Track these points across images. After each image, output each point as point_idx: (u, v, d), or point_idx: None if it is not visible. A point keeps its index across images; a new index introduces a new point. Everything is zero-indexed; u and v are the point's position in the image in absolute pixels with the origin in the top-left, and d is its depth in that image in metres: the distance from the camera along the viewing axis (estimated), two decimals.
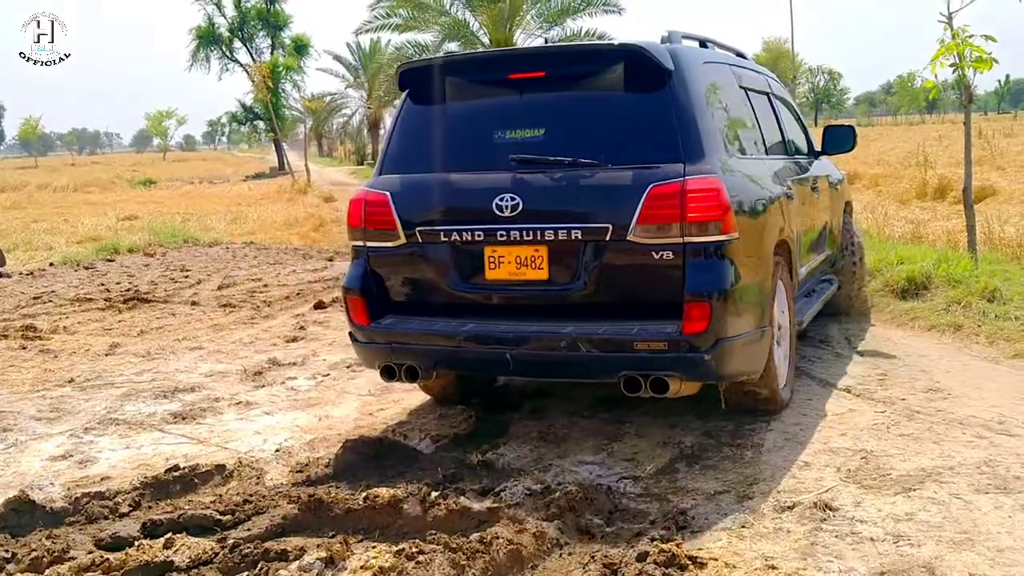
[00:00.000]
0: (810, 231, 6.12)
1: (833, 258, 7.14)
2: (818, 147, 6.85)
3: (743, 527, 3.63)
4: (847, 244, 7.47)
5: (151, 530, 3.75)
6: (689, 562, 3.26)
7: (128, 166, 65.79)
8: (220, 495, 4.19)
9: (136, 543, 3.59)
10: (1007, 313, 6.82)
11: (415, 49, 25.69)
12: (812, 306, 6.15)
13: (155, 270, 12.41)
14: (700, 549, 3.42)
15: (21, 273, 12.32)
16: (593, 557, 3.39)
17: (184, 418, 5.57)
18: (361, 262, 4.94)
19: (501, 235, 4.51)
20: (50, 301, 9.94)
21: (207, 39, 55.37)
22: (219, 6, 54.98)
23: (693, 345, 4.22)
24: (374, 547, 3.50)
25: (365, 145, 63.34)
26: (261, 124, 58.72)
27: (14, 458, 4.93)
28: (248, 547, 3.44)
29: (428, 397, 5.75)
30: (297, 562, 3.32)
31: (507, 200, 4.48)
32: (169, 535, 3.59)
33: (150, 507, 4.08)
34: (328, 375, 6.49)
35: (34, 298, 10.13)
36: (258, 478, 4.44)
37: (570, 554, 3.45)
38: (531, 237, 4.47)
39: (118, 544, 3.63)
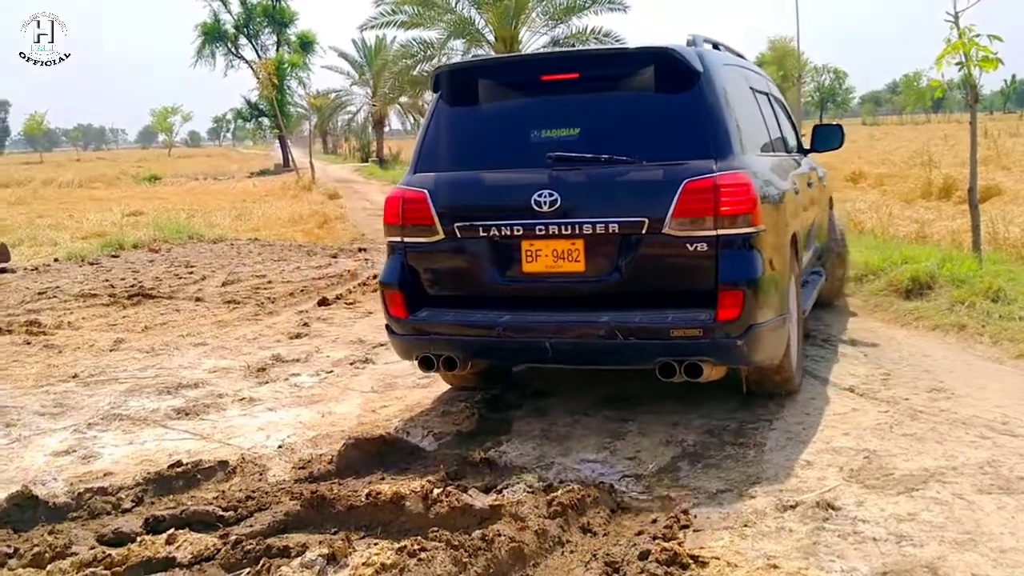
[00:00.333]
0: (808, 224, 6.33)
1: (821, 250, 7.27)
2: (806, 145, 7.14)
3: (745, 526, 3.63)
4: (832, 237, 7.75)
5: (153, 526, 3.76)
6: (691, 561, 3.26)
7: (133, 162, 65.94)
8: (223, 491, 4.20)
9: (138, 539, 3.60)
10: (1011, 313, 6.80)
11: (420, 46, 25.69)
12: (811, 296, 6.29)
13: (159, 266, 12.42)
14: (702, 548, 3.42)
15: (26, 268, 12.34)
16: (595, 555, 3.39)
17: (187, 414, 5.58)
18: (398, 257, 5.15)
19: (540, 230, 4.70)
20: (54, 296, 9.96)
21: (212, 36, 55.34)
22: (225, 3, 54.95)
23: (727, 331, 4.46)
24: (376, 544, 3.51)
25: (370, 142, 63.31)
26: (266, 121, 58.65)
27: (17, 453, 4.95)
28: (250, 543, 3.45)
29: (431, 394, 5.77)
30: (299, 558, 3.33)
31: (546, 196, 4.66)
32: (171, 531, 3.60)
33: (152, 503, 4.10)
34: (331, 372, 6.50)
35: (39, 293, 10.15)
36: (261, 474, 4.44)
37: (572, 552, 3.45)
38: (569, 231, 4.66)
39: (120, 540, 3.65)
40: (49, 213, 22.05)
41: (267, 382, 6.27)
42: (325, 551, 3.36)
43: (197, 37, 55.63)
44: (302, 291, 10.03)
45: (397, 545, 3.38)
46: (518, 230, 4.76)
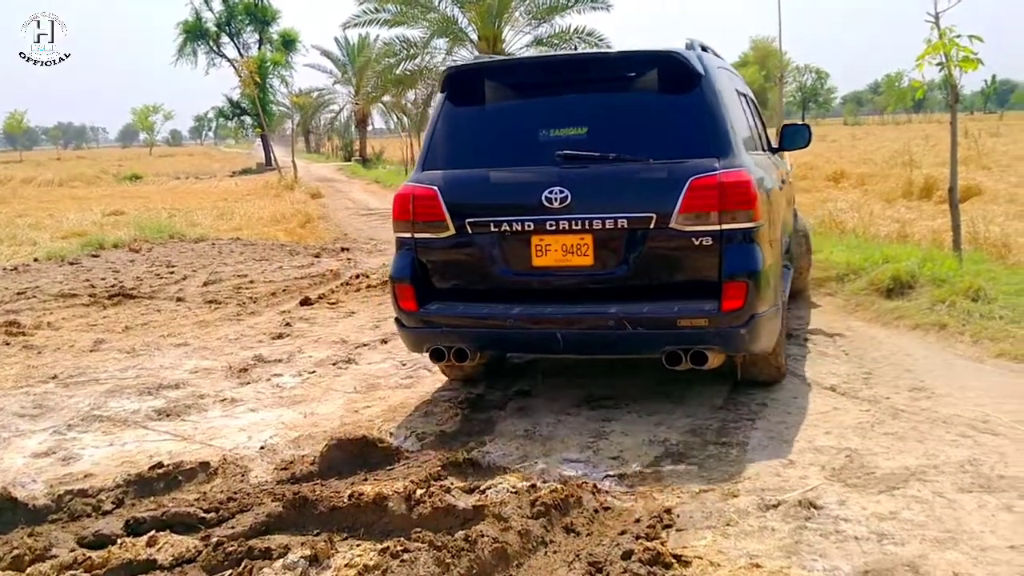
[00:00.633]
0: (786, 219, 6.54)
1: (788, 244, 7.35)
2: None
3: (728, 525, 3.64)
4: (796, 231, 7.89)
5: (134, 528, 3.73)
6: (674, 560, 3.27)
7: (114, 161, 65.54)
8: (204, 493, 4.18)
9: (119, 541, 3.58)
10: (991, 312, 6.84)
11: (403, 45, 25.58)
12: (787, 288, 6.42)
13: (140, 266, 12.35)
14: (685, 547, 3.43)
15: (5, 268, 12.23)
16: (578, 555, 3.39)
17: (168, 415, 5.54)
18: (408, 252, 5.25)
19: (550, 225, 4.88)
20: (34, 297, 9.88)
21: (194, 34, 55.04)
22: (207, 1, 54.72)
23: (731, 321, 4.71)
24: (359, 545, 3.50)
25: (352, 141, 63.14)
26: (248, 120, 58.39)
27: None
28: (232, 545, 3.43)
29: (413, 395, 5.77)
30: (281, 560, 3.31)
31: (556, 193, 4.84)
32: (152, 533, 3.58)
33: (133, 505, 4.07)
34: (314, 372, 6.47)
35: (18, 294, 10.06)
36: (243, 475, 4.42)
37: (555, 552, 3.45)
38: (579, 226, 4.85)
39: (101, 542, 3.62)
40: (29, 212, 21.89)
41: (249, 383, 6.24)
42: (307, 552, 3.34)
43: (178, 35, 55.35)
44: (284, 291, 9.99)
45: (380, 546, 3.36)
46: (529, 225, 4.93)
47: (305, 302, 9.18)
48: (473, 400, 5.58)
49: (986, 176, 19.14)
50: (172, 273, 11.56)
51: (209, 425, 5.35)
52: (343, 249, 13.96)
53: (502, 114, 5.48)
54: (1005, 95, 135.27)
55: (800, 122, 6.81)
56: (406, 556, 3.21)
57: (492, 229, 5.02)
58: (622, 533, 3.57)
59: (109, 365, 6.83)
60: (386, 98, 38.89)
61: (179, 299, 9.65)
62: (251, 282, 10.69)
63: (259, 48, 54.98)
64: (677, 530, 3.61)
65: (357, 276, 10.77)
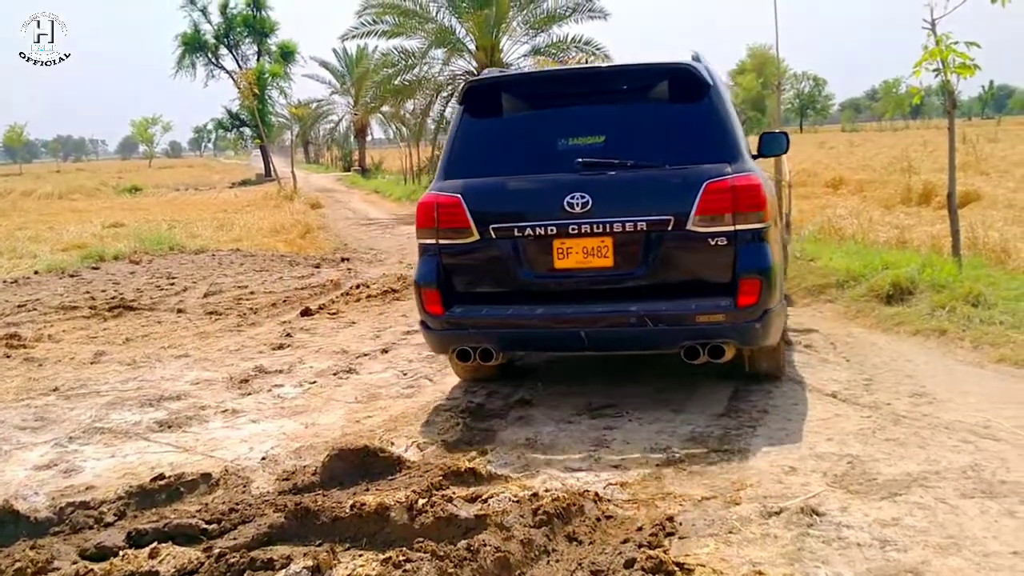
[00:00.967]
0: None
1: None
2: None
3: (730, 533, 3.64)
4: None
5: (136, 540, 3.73)
6: (676, 568, 3.26)
7: (113, 173, 65.60)
8: (206, 504, 4.17)
9: (121, 553, 3.57)
10: (991, 317, 6.85)
11: (401, 55, 25.63)
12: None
13: (141, 278, 12.35)
14: (687, 555, 3.42)
15: (5, 281, 12.24)
16: (581, 564, 3.39)
17: (170, 426, 5.54)
18: (432, 258, 5.48)
19: (572, 229, 5.13)
20: (35, 309, 9.88)
21: (193, 46, 55.14)
22: (205, 13, 54.85)
23: (746, 316, 5.00)
24: (361, 555, 3.50)
25: (352, 151, 63.20)
26: (247, 131, 58.47)
27: None
28: (234, 556, 3.43)
29: (415, 405, 5.77)
30: (284, 571, 3.31)
31: (578, 198, 5.09)
32: (154, 545, 3.58)
33: (135, 516, 4.06)
34: (315, 382, 6.47)
35: (18, 306, 10.07)
36: (244, 486, 4.41)
37: (558, 561, 3.44)
38: (600, 230, 5.10)
39: (103, 554, 3.62)
40: (28, 225, 21.88)
41: (250, 393, 6.24)
42: (310, 563, 3.34)
43: (177, 47, 55.48)
44: (285, 301, 9.99)
45: (382, 556, 3.37)
46: (551, 230, 5.16)
47: (306, 312, 9.18)
48: (474, 409, 5.58)
49: (984, 181, 19.16)
50: (172, 285, 11.56)
51: (210, 436, 5.34)
52: (343, 259, 13.96)
53: (521, 124, 5.72)
54: (1003, 100, 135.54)
55: (778, 130, 6.90)
56: (408, 566, 3.21)
57: (515, 234, 5.24)
58: (624, 541, 3.57)
59: (110, 377, 6.83)
60: (385, 108, 38.91)
61: (179, 311, 9.65)
62: (251, 293, 10.70)
63: (258, 60, 55.05)
64: (680, 538, 3.61)
65: (357, 286, 10.78)
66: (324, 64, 59.65)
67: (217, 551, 3.49)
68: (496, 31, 23.96)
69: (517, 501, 3.87)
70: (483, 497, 3.99)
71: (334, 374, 6.65)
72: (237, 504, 4.06)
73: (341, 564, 3.37)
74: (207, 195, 36.31)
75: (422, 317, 5.56)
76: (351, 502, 3.86)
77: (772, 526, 3.67)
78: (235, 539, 3.68)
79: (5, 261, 14.54)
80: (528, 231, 5.21)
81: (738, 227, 4.99)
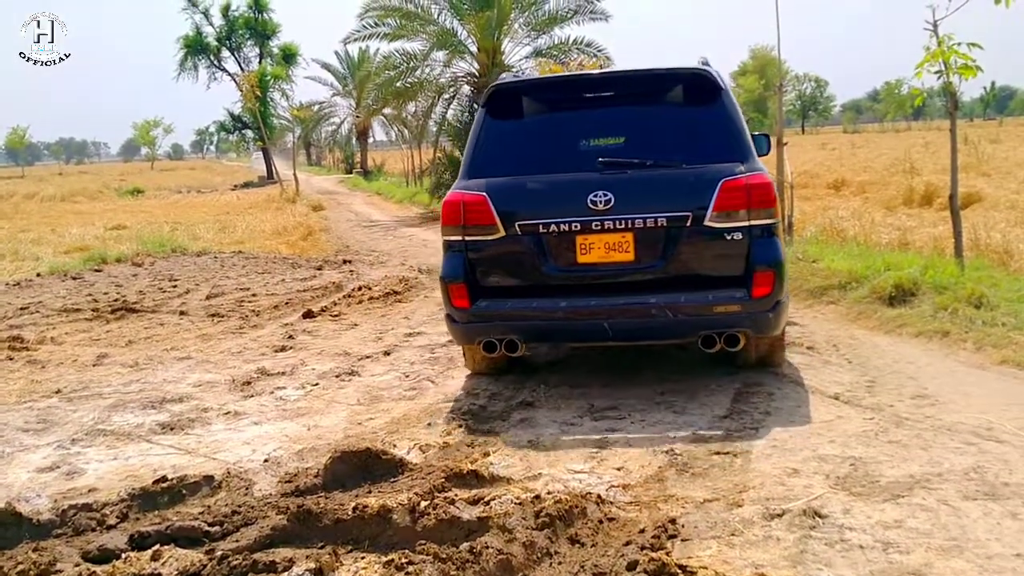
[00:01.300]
0: None
1: None
2: None
3: (733, 535, 3.63)
4: None
5: (138, 542, 3.73)
6: (679, 570, 3.26)
7: (116, 175, 65.67)
8: (208, 506, 4.17)
9: (123, 555, 3.58)
10: (994, 319, 6.84)
11: (403, 58, 25.61)
12: None
13: (143, 280, 12.36)
14: (690, 557, 3.42)
15: (8, 283, 12.25)
16: (583, 566, 3.39)
17: (172, 428, 5.54)
18: (458, 254, 5.67)
19: (595, 225, 5.39)
20: (37, 312, 9.89)
21: (195, 48, 55.13)
22: (207, 15, 54.84)
23: (760, 306, 5.32)
24: (363, 558, 3.50)
25: (354, 154, 63.19)
26: (249, 133, 58.49)
27: (0, 470, 4.90)
28: (236, 559, 3.43)
29: (417, 407, 5.77)
30: (286, 573, 3.32)
31: (601, 196, 5.35)
32: (157, 547, 3.58)
33: (138, 519, 4.06)
34: (317, 384, 6.47)
35: (21, 309, 10.08)
36: (246, 489, 4.41)
37: (560, 563, 3.44)
38: (621, 226, 5.37)
39: (105, 556, 3.62)
40: (31, 227, 21.92)
41: (252, 396, 6.24)
42: (312, 566, 3.34)
43: (179, 50, 55.40)
44: (287, 304, 10.00)
45: (385, 559, 3.37)
46: (575, 226, 5.41)
47: (308, 315, 9.19)
48: (476, 411, 5.58)
49: (986, 183, 19.16)
50: (175, 287, 11.57)
51: (213, 438, 5.35)
52: (345, 261, 13.97)
53: (543, 126, 6.05)
54: (1004, 101, 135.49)
55: (759, 132, 7.00)
56: (411, 568, 3.22)
57: (540, 230, 5.48)
58: (627, 544, 3.57)
59: (112, 379, 6.84)
60: (387, 110, 38.93)
61: (182, 313, 9.65)
62: (253, 295, 10.70)
63: (260, 62, 55.04)
64: (682, 540, 3.60)
65: (359, 288, 10.78)
66: (326, 66, 59.68)
67: (219, 553, 3.50)
68: (498, 33, 23.93)
69: (519, 503, 3.87)
70: (485, 499, 3.99)
71: (336, 376, 6.66)
72: (239, 506, 4.07)
73: (343, 566, 3.37)
74: (209, 197, 36.37)
75: (448, 311, 5.75)
76: (353, 504, 3.86)
77: (775, 528, 3.67)
78: (237, 541, 3.69)
79: (8, 263, 14.56)
80: (552, 227, 5.45)
81: (752, 223, 5.30)
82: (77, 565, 3.53)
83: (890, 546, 3.45)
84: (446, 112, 26.30)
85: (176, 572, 3.39)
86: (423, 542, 3.48)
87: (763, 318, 5.38)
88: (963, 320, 6.96)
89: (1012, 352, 6.15)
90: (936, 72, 8.43)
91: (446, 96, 26.16)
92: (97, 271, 13.44)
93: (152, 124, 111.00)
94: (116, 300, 10.51)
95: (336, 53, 59.98)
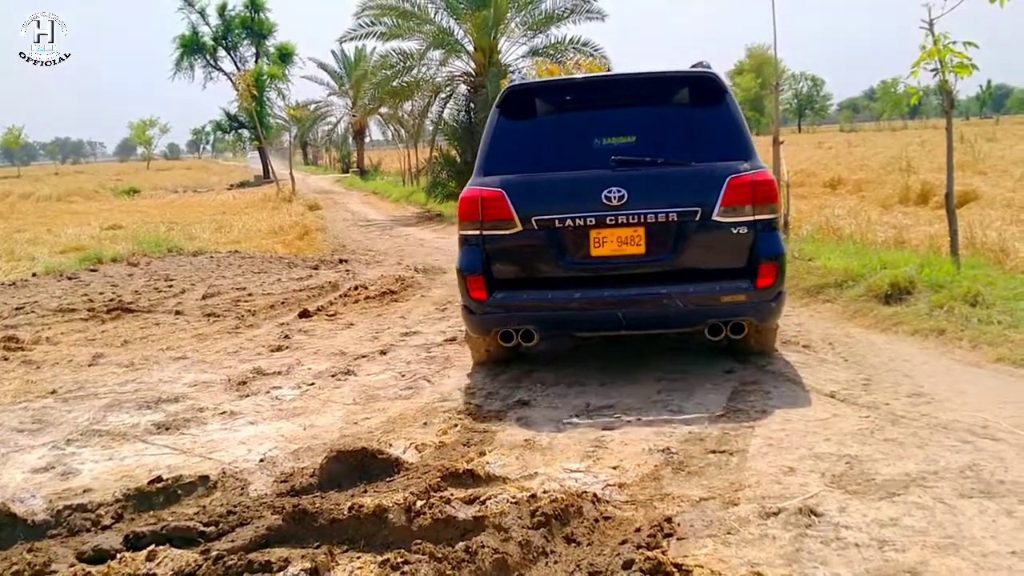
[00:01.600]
0: None
1: None
2: None
3: (729, 533, 3.63)
4: None
5: (134, 542, 3.72)
6: (675, 569, 3.26)
7: (112, 175, 65.59)
8: (204, 506, 4.17)
9: (118, 556, 3.57)
10: (989, 317, 6.85)
11: (400, 57, 25.60)
12: None
13: (139, 280, 12.34)
14: (686, 556, 3.42)
15: (3, 283, 12.23)
16: (579, 565, 3.39)
17: (168, 428, 5.53)
18: (475, 248, 5.91)
19: (609, 220, 5.66)
20: (32, 312, 9.87)
21: (191, 48, 55.06)
22: (203, 15, 54.76)
23: (764, 296, 5.69)
24: (359, 557, 3.50)
25: (350, 153, 63.18)
26: (246, 132, 58.42)
27: None
28: (232, 559, 3.42)
29: (412, 406, 5.76)
30: (281, 573, 3.31)
31: (614, 192, 5.63)
32: (152, 547, 3.58)
33: (133, 519, 4.06)
34: (313, 384, 6.46)
35: (16, 309, 10.06)
36: (242, 489, 4.41)
37: (556, 562, 3.44)
38: (634, 220, 5.65)
39: (100, 557, 3.61)
40: (27, 227, 21.88)
41: (248, 395, 6.23)
42: (308, 566, 3.34)
43: (176, 49, 55.36)
44: (283, 303, 9.98)
45: (380, 558, 3.36)
46: (590, 221, 5.68)
47: (304, 314, 9.17)
48: (472, 410, 5.58)
49: (983, 181, 19.17)
50: (171, 287, 11.55)
51: (208, 438, 5.33)
52: (341, 261, 13.95)
53: (557, 126, 6.32)
54: (1001, 100, 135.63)
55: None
56: (406, 568, 3.21)
57: (556, 225, 5.72)
58: (623, 543, 3.56)
59: (108, 379, 6.82)
60: (383, 110, 38.94)
61: (178, 312, 9.64)
62: (249, 295, 10.69)
63: (256, 61, 55.02)
64: (678, 539, 3.60)
65: (356, 288, 10.77)
66: (322, 66, 59.64)
67: (215, 553, 3.49)
68: (494, 32, 23.92)
69: (515, 502, 3.87)
70: (481, 499, 3.99)
71: (332, 376, 6.65)
72: (235, 506, 4.06)
73: (339, 566, 3.37)
74: (205, 197, 36.34)
75: (465, 302, 5.98)
76: (349, 504, 3.86)
77: (770, 527, 3.67)
78: (233, 541, 3.68)
79: (3, 263, 14.53)
80: (568, 222, 5.70)
81: (756, 217, 5.64)
82: (72, 566, 3.52)
83: (886, 544, 3.45)
84: (442, 111, 26.32)
85: (171, 572, 3.38)
86: (419, 541, 3.47)
87: (766, 307, 5.73)
88: (959, 318, 6.97)
89: (1008, 350, 6.16)
90: (932, 71, 8.45)
91: (442, 95, 26.18)
92: (93, 271, 13.41)
93: (148, 124, 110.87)
94: (112, 300, 10.48)
95: (332, 52, 60.03)
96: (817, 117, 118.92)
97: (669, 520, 3.75)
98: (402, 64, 25.29)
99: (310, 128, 69.73)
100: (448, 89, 25.87)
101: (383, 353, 7.31)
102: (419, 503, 3.82)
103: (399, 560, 3.28)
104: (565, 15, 24.07)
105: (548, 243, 5.77)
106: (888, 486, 4.01)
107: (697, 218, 5.64)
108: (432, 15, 24.73)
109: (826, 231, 12.28)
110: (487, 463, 4.61)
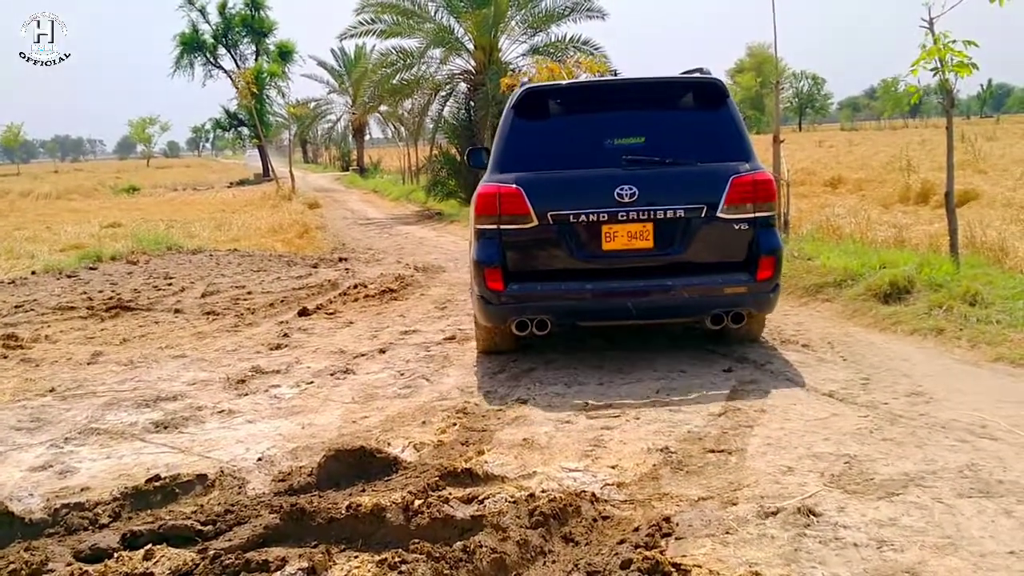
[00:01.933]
0: None
1: None
2: None
3: (727, 533, 3.63)
4: None
5: (131, 541, 3.71)
6: (673, 569, 3.25)
7: (111, 173, 65.60)
8: (201, 505, 4.16)
9: (116, 554, 3.56)
10: (988, 317, 6.85)
11: (399, 55, 25.57)
12: None
13: (138, 278, 12.33)
14: (684, 556, 3.42)
15: (2, 281, 12.22)
16: (577, 565, 3.38)
17: (166, 427, 5.52)
18: (492, 241, 6.17)
19: (621, 216, 6.00)
20: (32, 310, 9.86)
21: (191, 45, 55.03)
22: (203, 12, 54.75)
23: (764, 288, 6.10)
24: (356, 556, 3.49)
25: (350, 151, 63.16)
26: (245, 130, 58.42)
27: None
28: (229, 558, 3.41)
29: (411, 405, 5.75)
30: (279, 572, 3.30)
31: (626, 189, 5.98)
32: (149, 546, 3.56)
33: (130, 518, 4.05)
34: (311, 383, 6.46)
35: (16, 307, 10.05)
36: (240, 487, 4.40)
37: (554, 562, 3.43)
38: (644, 216, 6.00)
39: (97, 555, 3.60)
40: (26, 225, 21.88)
41: (247, 394, 6.22)
42: (305, 565, 3.33)
43: (175, 47, 55.33)
44: (282, 302, 9.98)
45: (378, 557, 3.35)
46: (603, 216, 6.00)
47: (303, 313, 9.17)
48: (471, 410, 5.57)
49: (983, 180, 19.18)
50: (170, 285, 11.54)
51: (207, 437, 5.33)
52: (341, 259, 13.95)
53: (569, 126, 6.65)
54: (1001, 99, 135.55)
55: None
56: (404, 567, 3.21)
57: (571, 220, 6.03)
58: (621, 542, 3.56)
59: (107, 377, 6.82)
60: (383, 108, 38.91)
61: (177, 311, 9.63)
62: (249, 293, 10.68)
63: (256, 59, 54.97)
64: (676, 539, 3.60)
65: (355, 286, 10.77)
66: (322, 64, 59.68)
67: (212, 552, 3.48)
68: (494, 31, 23.90)
69: (513, 502, 3.87)
70: (479, 498, 3.98)
71: (331, 374, 6.64)
72: (232, 505, 4.05)
73: (337, 565, 3.36)
74: (205, 195, 36.32)
75: (481, 293, 6.23)
76: (347, 503, 3.85)
77: (769, 526, 3.66)
78: (230, 540, 3.67)
79: (3, 261, 14.52)
80: (582, 217, 6.01)
81: (756, 215, 6.03)
82: (69, 564, 3.51)
83: (884, 544, 3.44)
84: (442, 109, 26.33)
85: (168, 571, 3.37)
86: (417, 541, 3.47)
87: (765, 298, 6.16)
88: (958, 318, 6.97)
89: (1006, 350, 6.16)
90: (932, 70, 8.44)
91: (443, 93, 26.18)
92: (92, 269, 13.41)
93: (148, 122, 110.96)
94: (111, 298, 10.48)
95: (332, 50, 60.03)
96: (818, 116, 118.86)
97: (667, 519, 3.74)
98: (402, 62, 25.28)
99: (310, 126, 69.78)
100: (448, 87, 25.87)
101: (382, 352, 7.31)
102: (417, 502, 3.82)
103: (397, 559, 3.27)
104: (565, 13, 24.05)
105: (562, 237, 6.06)
106: (887, 486, 4.00)
107: (702, 215, 6.00)
108: (432, 13, 24.74)
109: (826, 230, 12.27)
110: (485, 462, 4.60)
